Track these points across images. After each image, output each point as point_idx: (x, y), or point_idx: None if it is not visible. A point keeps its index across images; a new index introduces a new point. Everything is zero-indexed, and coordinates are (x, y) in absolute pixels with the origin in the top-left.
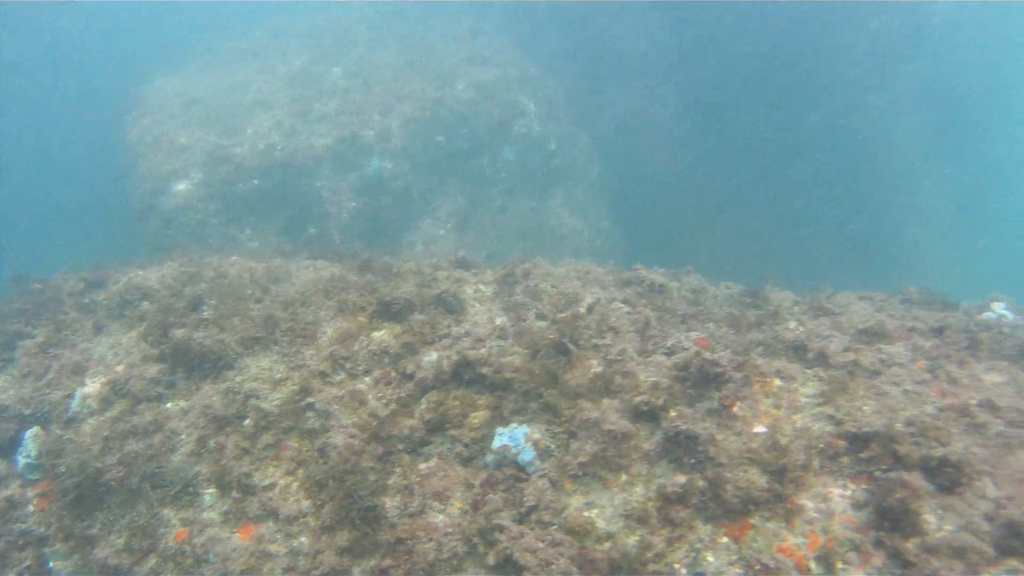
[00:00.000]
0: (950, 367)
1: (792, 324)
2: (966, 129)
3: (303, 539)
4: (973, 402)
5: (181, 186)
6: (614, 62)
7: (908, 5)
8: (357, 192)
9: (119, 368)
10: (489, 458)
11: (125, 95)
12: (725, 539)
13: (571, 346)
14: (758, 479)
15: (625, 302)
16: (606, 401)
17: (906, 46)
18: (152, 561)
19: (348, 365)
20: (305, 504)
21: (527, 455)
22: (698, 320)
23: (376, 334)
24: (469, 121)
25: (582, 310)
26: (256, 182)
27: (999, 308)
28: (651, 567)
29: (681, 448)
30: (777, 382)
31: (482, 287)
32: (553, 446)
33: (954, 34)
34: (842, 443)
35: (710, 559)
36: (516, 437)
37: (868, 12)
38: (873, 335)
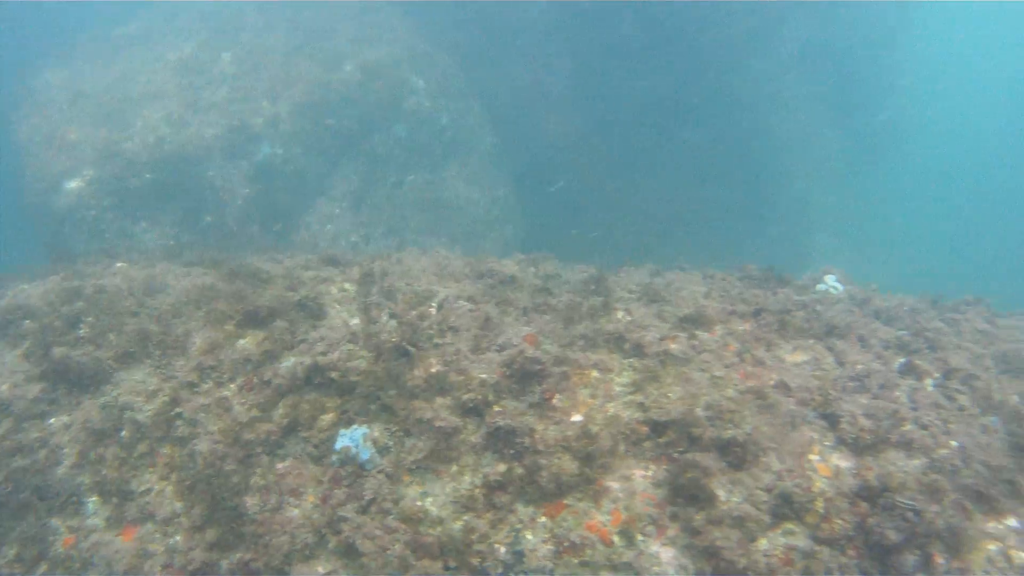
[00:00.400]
0: (758, 350)
1: (620, 314)
2: (852, 86)
3: (178, 538)
4: (771, 383)
5: (73, 184)
6: (506, 32)
7: None
8: (250, 179)
9: (4, 388)
10: (334, 458)
11: (11, 91)
12: (543, 519)
13: (411, 348)
14: (570, 465)
15: (471, 298)
16: (439, 399)
17: (787, 8)
18: (43, 568)
19: (214, 374)
20: (178, 506)
21: (365, 454)
22: (539, 312)
23: (241, 342)
24: (358, 102)
25: (432, 309)
26: (148, 176)
27: (830, 280)
28: (476, 547)
29: (502, 440)
30: (595, 373)
31: (347, 286)
32: (391, 443)
33: None
34: (645, 429)
35: (529, 537)
36: (355, 438)
37: None
38: (693, 322)
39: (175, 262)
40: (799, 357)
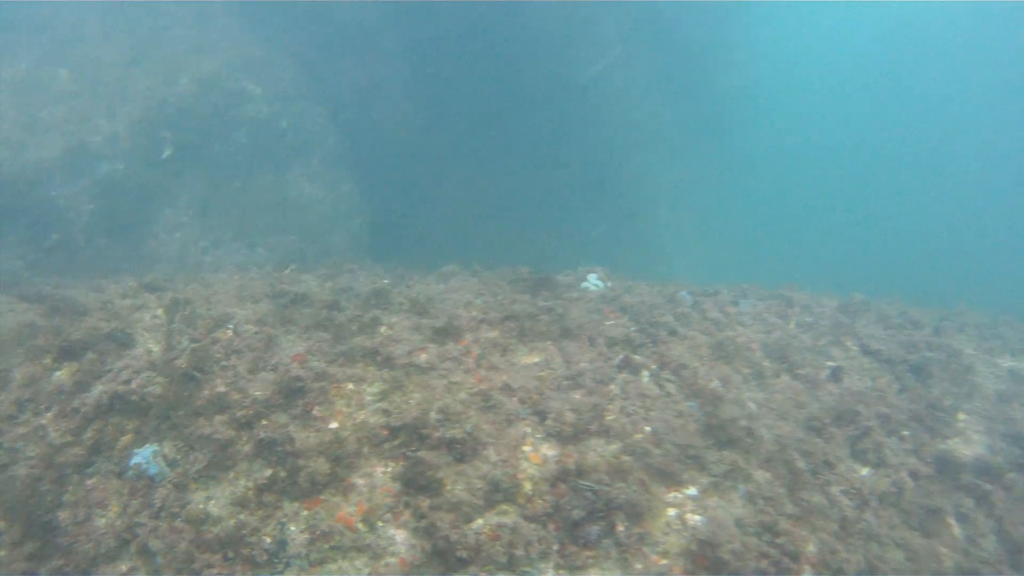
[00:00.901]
0: (495, 355)
1: (383, 329)
2: (691, 66)
3: (2, 553)
4: (498, 386)
5: None
6: (342, 31)
7: None
8: (93, 196)
9: None
10: (129, 473)
11: None
12: (304, 512)
13: (197, 374)
14: (324, 466)
15: (260, 320)
16: (218, 417)
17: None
18: None
19: (32, 405)
20: (2, 525)
21: (153, 469)
22: (320, 328)
23: (56, 374)
24: (196, 113)
25: (229, 332)
26: None
27: (592, 279)
28: (248, 539)
29: (267, 448)
30: (351, 386)
31: (160, 312)
32: (179, 457)
33: None
34: (386, 432)
35: (292, 529)
36: (146, 455)
37: None
38: (444, 332)
39: (10, 293)
40: (533, 359)
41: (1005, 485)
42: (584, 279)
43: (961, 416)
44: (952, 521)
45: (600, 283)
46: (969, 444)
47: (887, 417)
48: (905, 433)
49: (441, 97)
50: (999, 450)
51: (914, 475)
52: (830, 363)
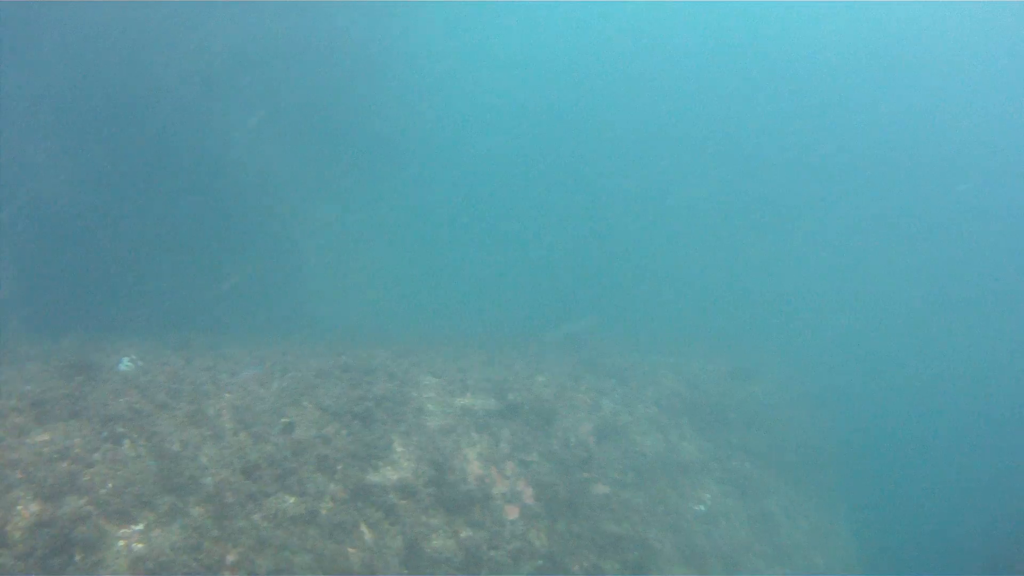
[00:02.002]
0: (11, 438)
1: None
2: (329, 118)
3: None
4: (4, 461)
5: None
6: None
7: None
8: None
9: None
10: None
11: None
12: None
13: None
14: None
15: None
16: None
17: (234, 58)
18: None
19: None
20: None
21: None
22: None
23: None
24: None
25: None
26: None
27: (126, 361)
28: None
29: None
30: None
31: None
32: None
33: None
34: None
35: None
36: None
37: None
38: None
39: None
40: (45, 437)
41: (416, 499)
42: (121, 361)
43: (399, 449)
44: (365, 529)
45: (131, 364)
46: (398, 470)
47: (326, 457)
48: (340, 467)
49: (93, 164)
50: (422, 472)
51: (334, 499)
52: (284, 420)
